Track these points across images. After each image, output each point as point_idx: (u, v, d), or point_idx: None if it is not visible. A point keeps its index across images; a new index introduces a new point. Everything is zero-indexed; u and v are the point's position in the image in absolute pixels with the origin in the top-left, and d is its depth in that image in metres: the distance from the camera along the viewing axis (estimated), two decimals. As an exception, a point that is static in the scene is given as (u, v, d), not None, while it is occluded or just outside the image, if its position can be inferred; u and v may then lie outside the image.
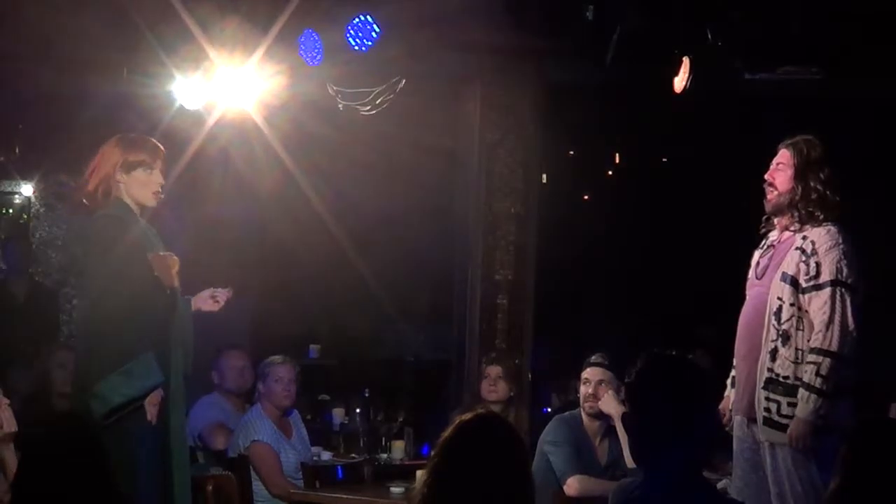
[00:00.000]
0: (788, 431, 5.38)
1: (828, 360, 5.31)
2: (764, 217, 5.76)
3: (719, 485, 5.97)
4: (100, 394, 5.47)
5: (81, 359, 5.69)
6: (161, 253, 5.63)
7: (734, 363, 5.80)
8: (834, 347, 5.32)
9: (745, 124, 8.87)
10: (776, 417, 5.43)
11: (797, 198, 5.55)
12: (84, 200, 5.76)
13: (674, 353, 3.84)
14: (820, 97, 7.89)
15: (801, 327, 5.43)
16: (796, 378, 5.40)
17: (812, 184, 5.54)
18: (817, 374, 5.32)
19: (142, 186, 5.70)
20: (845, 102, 8.30)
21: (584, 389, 6.60)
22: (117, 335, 5.48)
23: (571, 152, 11.35)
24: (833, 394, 5.32)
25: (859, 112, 8.55)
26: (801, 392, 5.34)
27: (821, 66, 7.30)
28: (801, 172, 5.56)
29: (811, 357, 5.35)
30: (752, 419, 5.58)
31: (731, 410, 5.74)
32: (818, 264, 5.41)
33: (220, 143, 8.01)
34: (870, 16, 7.07)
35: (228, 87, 7.50)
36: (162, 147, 5.80)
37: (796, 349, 5.42)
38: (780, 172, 5.62)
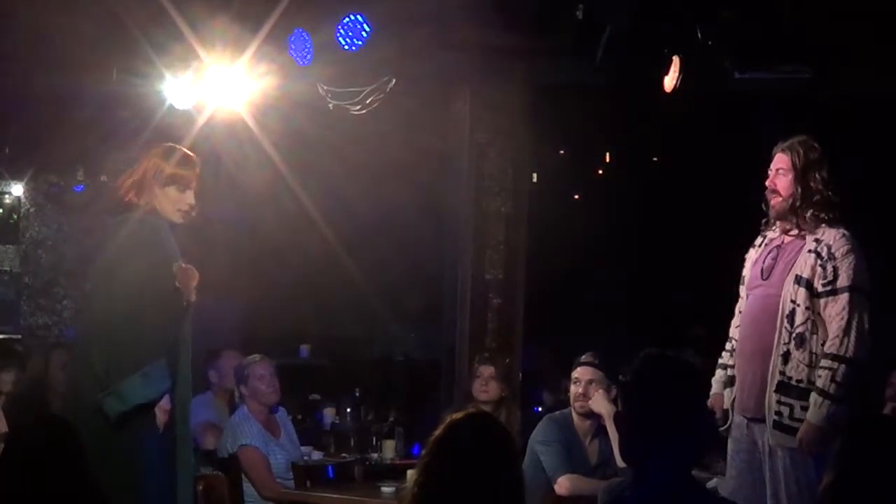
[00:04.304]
0: (798, 435, 5.36)
1: (843, 366, 5.29)
2: (763, 220, 5.73)
3: (709, 484, 5.98)
4: (120, 393, 5.45)
5: (97, 356, 5.58)
6: (184, 265, 5.65)
7: (730, 362, 5.77)
8: (850, 354, 5.30)
9: (736, 123, 8.87)
10: (787, 421, 5.41)
11: (798, 200, 5.53)
12: (118, 200, 5.75)
13: (671, 353, 3.84)
14: (810, 96, 7.89)
15: (816, 331, 5.40)
16: (810, 382, 5.38)
17: (813, 185, 5.52)
18: (832, 379, 5.29)
19: (171, 203, 5.72)
20: (836, 102, 8.31)
21: (574, 389, 6.61)
22: (140, 338, 5.47)
23: (562, 152, 11.36)
24: (846, 400, 5.31)
25: (851, 111, 8.56)
26: (814, 397, 5.32)
27: (811, 65, 7.30)
28: (801, 175, 5.54)
29: (826, 362, 5.32)
30: (753, 420, 5.56)
31: (726, 409, 5.72)
32: (836, 269, 5.38)
33: (211, 143, 8.00)
34: (861, 15, 7.07)
35: (219, 87, 7.49)
36: (199, 165, 5.83)
37: (811, 353, 5.39)
38: (782, 177, 5.59)
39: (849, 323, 5.33)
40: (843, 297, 5.36)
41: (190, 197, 5.75)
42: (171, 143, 5.93)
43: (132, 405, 5.45)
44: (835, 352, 5.32)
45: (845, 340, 5.32)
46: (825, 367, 5.32)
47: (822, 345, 5.39)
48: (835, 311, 5.36)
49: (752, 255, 5.75)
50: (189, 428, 5.94)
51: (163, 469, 5.62)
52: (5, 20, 7.32)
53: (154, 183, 5.70)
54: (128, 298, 5.51)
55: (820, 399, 5.31)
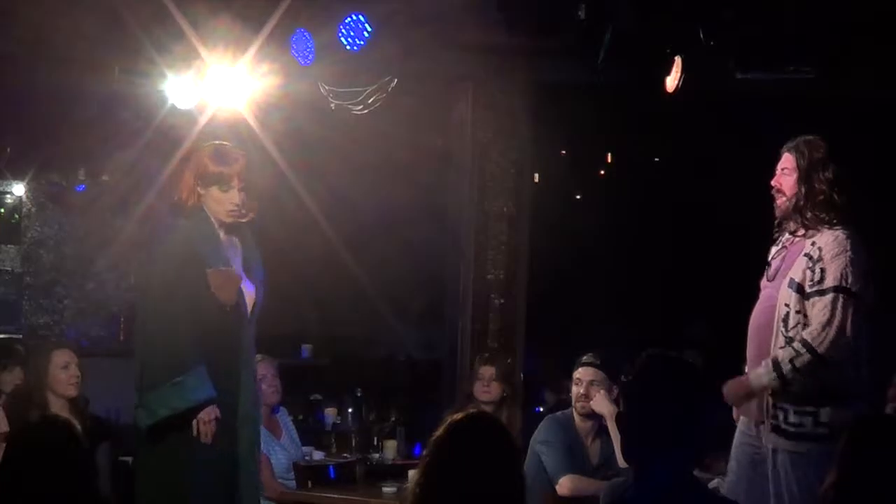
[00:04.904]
0: (727, 384, 5.43)
1: (808, 356, 5.26)
2: (776, 221, 5.71)
3: (711, 484, 5.98)
4: (147, 405, 5.39)
5: (137, 367, 5.53)
6: (221, 269, 5.56)
7: None
8: (822, 349, 5.26)
9: (737, 124, 8.87)
10: (783, 425, 5.38)
11: (801, 201, 5.51)
12: (171, 205, 5.72)
13: (673, 353, 3.84)
14: (812, 96, 7.90)
15: None
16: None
17: (816, 185, 5.47)
18: (791, 361, 5.27)
19: (216, 203, 5.62)
20: (836, 102, 8.30)
21: (575, 389, 6.61)
22: (168, 347, 5.39)
23: (564, 152, 11.36)
24: (791, 384, 5.30)
25: (852, 111, 8.55)
26: (766, 362, 5.33)
27: (813, 65, 7.30)
28: (805, 174, 5.51)
29: (796, 344, 5.29)
30: (758, 422, 5.55)
31: None
32: (823, 270, 5.34)
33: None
34: (861, 15, 7.07)
35: (220, 87, 7.49)
36: (243, 162, 5.71)
37: None
38: (787, 177, 5.56)
39: (829, 320, 5.29)
40: (828, 297, 5.31)
41: (234, 196, 5.61)
42: (217, 141, 5.84)
43: (160, 417, 5.36)
44: (809, 339, 5.29)
45: (822, 335, 5.27)
46: (794, 348, 5.30)
47: None
48: (818, 308, 5.33)
49: (771, 253, 5.73)
50: (254, 448, 5.72)
51: (212, 484, 5.49)
52: (6, 19, 7.32)
53: (197, 184, 5.62)
54: (157, 308, 5.46)
55: (770, 367, 5.31)
